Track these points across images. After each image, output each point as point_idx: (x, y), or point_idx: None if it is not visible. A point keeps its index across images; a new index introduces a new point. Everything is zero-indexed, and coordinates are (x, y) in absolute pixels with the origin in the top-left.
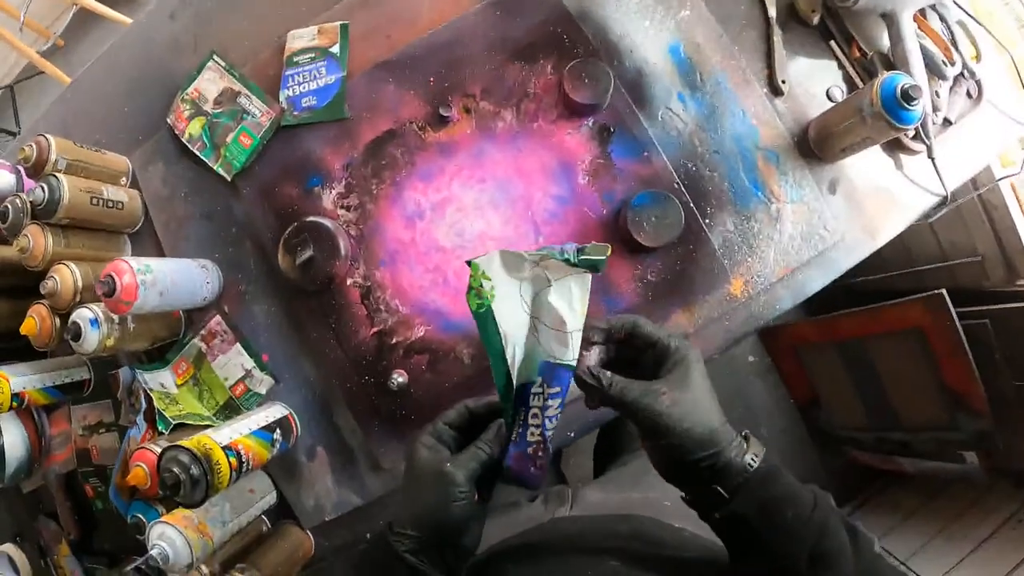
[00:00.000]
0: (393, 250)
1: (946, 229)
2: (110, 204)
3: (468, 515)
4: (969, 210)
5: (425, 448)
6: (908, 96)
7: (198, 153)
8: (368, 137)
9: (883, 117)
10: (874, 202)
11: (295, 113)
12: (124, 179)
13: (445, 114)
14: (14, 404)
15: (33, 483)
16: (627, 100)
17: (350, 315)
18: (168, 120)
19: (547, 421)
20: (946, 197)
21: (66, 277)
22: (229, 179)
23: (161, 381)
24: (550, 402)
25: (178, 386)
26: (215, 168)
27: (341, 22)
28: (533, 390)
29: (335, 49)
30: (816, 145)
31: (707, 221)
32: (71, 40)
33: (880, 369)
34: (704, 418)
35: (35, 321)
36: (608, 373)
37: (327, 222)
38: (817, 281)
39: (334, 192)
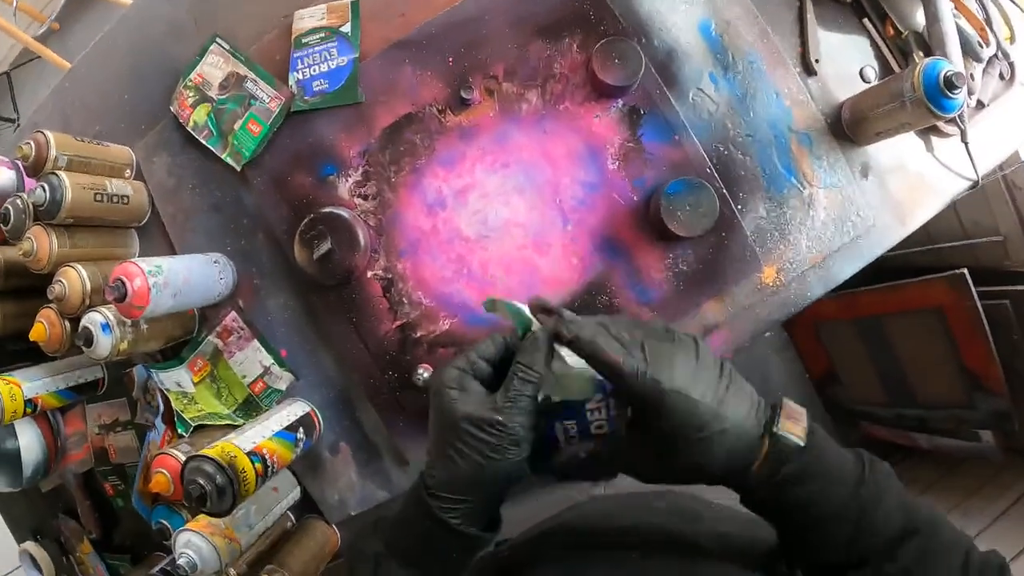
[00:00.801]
0: (414, 240)
1: (968, 208)
2: (115, 199)
3: (521, 472)
4: (992, 190)
5: (458, 390)
6: (951, 84)
7: (204, 142)
8: (385, 122)
9: (924, 104)
10: (905, 186)
11: (306, 98)
12: (128, 171)
13: (466, 96)
14: (28, 411)
15: (51, 483)
16: (657, 81)
17: (372, 309)
18: (171, 108)
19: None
20: (977, 182)
21: (74, 280)
22: (239, 169)
23: (177, 380)
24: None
25: (195, 384)
26: (223, 157)
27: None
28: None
29: (346, 29)
30: (850, 127)
31: (740, 207)
32: (67, 23)
33: (898, 347)
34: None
35: (44, 327)
36: (575, 317)
37: (344, 212)
38: (848, 269)
39: (350, 180)
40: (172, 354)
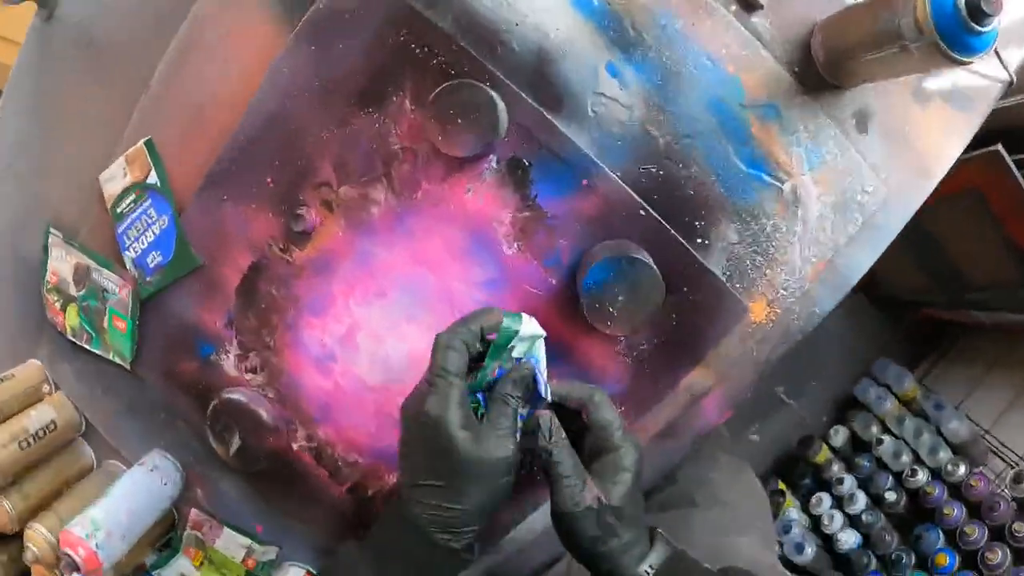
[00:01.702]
0: (322, 403)
1: None
2: (41, 434)
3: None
4: None
5: (464, 429)
6: (978, 11)
7: (88, 347)
8: (233, 280)
9: (939, 49)
10: (921, 122)
11: (148, 279)
12: (46, 386)
13: (299, 228)
14: None
15: None
16: (533, 109)
17: (313, 480)
18: (48, 317)
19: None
20: (1011, 81)
21: (39, 542)
22: (128, 368)
23: (181, 571)
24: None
25: (197, 568)
26: (111, 359)
27: (144, 139)
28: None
29: (153, 179)
30: (828, 69)
31: (700, 241)
32: None
33: (938, 235)
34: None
35: None
36: (562, 434)
37: (240, 396)
38: (864, 260)
39: (231, 356)
40: (164, 546)
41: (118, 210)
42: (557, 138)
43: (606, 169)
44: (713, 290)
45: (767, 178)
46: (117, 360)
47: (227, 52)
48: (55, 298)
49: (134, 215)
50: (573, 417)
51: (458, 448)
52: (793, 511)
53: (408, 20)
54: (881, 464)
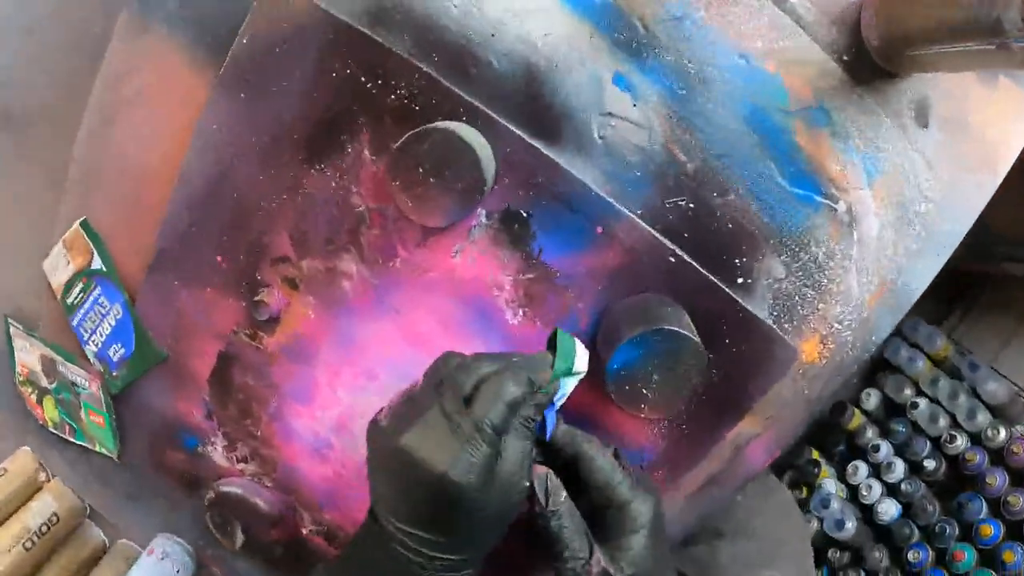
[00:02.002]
0: (326, 490)
1: None
2: (44, 529)
3: None
4: None
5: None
6: None
7: (72, 439)
8: (203, 371)
9: None
10: (986, 108)
11: (114, 373)
12: (42, 474)
13: (262, 317)
14: None
15: None
16: (524, 142)
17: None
18: (28, 410)
19: None
20: None
21: None
22: (116, 459)
23: None
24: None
25: None
26: (98, 450)
27: (79, 220)
28: None
29: (97, 263)
30: (884, 56)
31: (741, 282)
32: None
33: None
34: None
35: None
36: (563, 496)
37: (235, 488)
38: (927, 272)
39: (218, 447)
40: None
41: (68, 301)
42: (559, 178)
43: (624, 211)
44: (759, 337)
45: (819, 198)
46: (104, 452)
47: (149, 112)
48: (30, 390)
49: (86, 306)
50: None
51: (470, 506)
52: (829, 482)
53: (353, 46)
54: (917, 429)
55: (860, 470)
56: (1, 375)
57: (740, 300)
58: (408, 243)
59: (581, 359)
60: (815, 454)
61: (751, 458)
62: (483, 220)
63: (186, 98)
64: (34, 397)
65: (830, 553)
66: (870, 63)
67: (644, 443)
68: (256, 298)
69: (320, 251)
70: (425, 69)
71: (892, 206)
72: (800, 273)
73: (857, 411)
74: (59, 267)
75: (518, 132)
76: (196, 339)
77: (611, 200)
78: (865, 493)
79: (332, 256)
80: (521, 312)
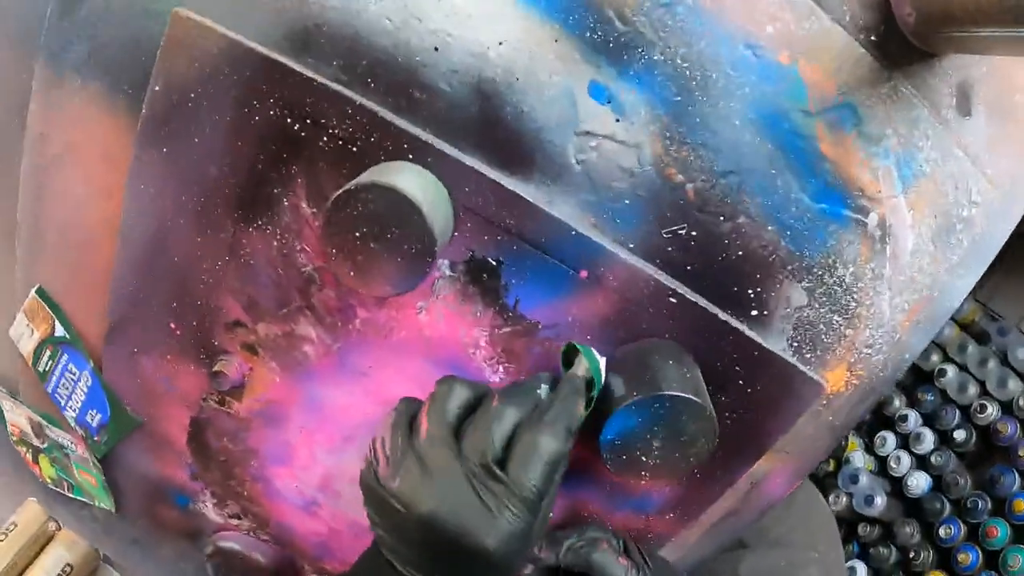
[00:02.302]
0: (321, 543)
1: None
2: None
3: None
4: None
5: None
6: None
7: (71, 495)
8: (180, 437)
9: None
10: None
11: (95, 439)
12: (51, 524)
13: (224, 387)
14: None
15: None
16: (484, 178)
17: None
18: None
19: None
20: None
21: None
22: (115, 511)
23: None
24: None
25: None
26: (97, 505)
27: (34, 288)
28: None
29: (60, 331)
30: (919, 32)
31: (755, 314)
32: None
33: None
34: None
35: None
36: None
37: (233, 544)
38: (966, 284)
39: (209, 505)
40: None
41: (40, 369)
42: (529, 217)
43: (611, 249)
44: (777, 374)
45: (846, 213)
46: (103, 506)
47: (78, 172)
48: (24, 449)
49: (57, 373)
50: None
51: (506, 568)
52: (857, 454)
53: (272, 81)
54: (946, 398)
55: (888, 441)
56: (1, 433)
57: (755, 336)
58: (367, 302)
59: (603, 372)
60: None
61: (770, 490)
62: (447, 272)
63: (113, 153)
64: (30, 456)
65: (860, 528)
66: (903, 43)
67: (651, 490)
68: (214, 368)
69: (274, 315)
70: (359, 101)
71: (931, 214)
72: (824, 299)
73: None
74: (24, 335)
75: (475, 166)
76: (165, 406)
77: (594, 237)
78: (894, 465)
79: (287, 319)
80: (502, 369)
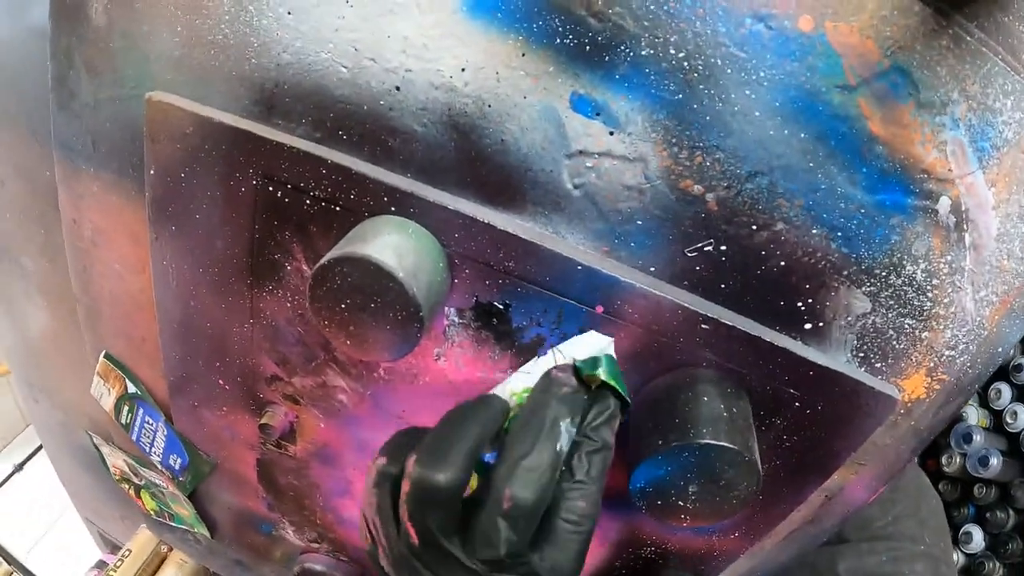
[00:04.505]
0: None
1: None
2: None
3: None
4: None
5: None
6: None
7: (172, 524)
8: (250, 475)
9: None
10: None
11: (180, 479)
12: (164, 547)
13: (273, 438)
14: None
15: None
16: (471, 222)
17: None
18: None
19: None
20: None
21: None
22: (211, 536)
23: None
24: None
25: None
26: (196, 532)
27: (102, 352)
28: None
29: (132, 388)
30: None
31: (809, 327)
32: None
33: None
34: None
35: None
36: None
37: (316, 564)
38: None
39: (289, 531)
40: None
41: (122, 421)
42: (529, 255)
43: (624, 279)
44: (840, 391)
45: (910, 201)
46: (201, 532)
47: (111, 252)
48: (127, 487)
49: (137, 425)
50: None
51: None
52: (971, 409)
53: (246, 152)
54: None
55: (1004, 394)
56: (98, 476)
57: (808, 353)
58: None
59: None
60: None
61: (851, 499)
62: (455, 319)
63: (137, 232)
64: (132, 492)
65: (975, 489)
66: None
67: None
68: (261, 422)
69: (305, 369)
70: (330, 159)
71: (1020, 189)
72: (892, 302)
73: None
74: (103, 394)
75: (460, 209)
76: (233, 449)
77: (604, 269)
78: (1010, 420)
79: (318, 372)
80: None
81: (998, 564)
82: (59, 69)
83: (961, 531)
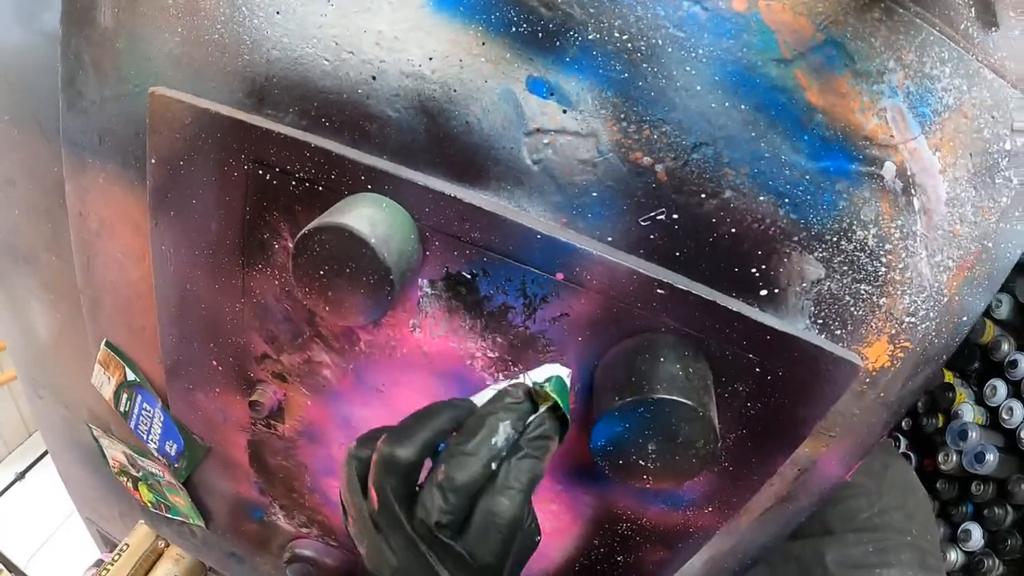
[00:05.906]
0: None
1: None
2: None
3: None
4: None
5: None
6: None
7: (170, 516)
8: (242, 457)
9: None
10: None
11: (175, 466)
12: (161, 541)
13: (262, 415)
14: None
15: None
16: (440, 196)
17: None
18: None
19: None
20: None
21: None
22: (206, 527)
23: None
24: None
25: None
26: (193, 523)
27: (103, 341)
28: None
29: (131, 376)
30: None
31: (764, 293)
32: None
33: None
34: None
35: None
36: None
37: (306, 550)
38: None
39: (280, 516)
40: None
41: (121, 409)
42: (493, 226)
43: (582, 247)
44: (799, 357)
45: (854, 167)
46: (198, 522)
47: (114, 243)
48: (125, 479)
49: (135, 412)
50: None
51: None
52: (966, 407)
53: (239, 138)
54: None
55: (999, 390)
56: (97, 473)
57: (764, 318)
58: (366, 327)
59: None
60: (948, 377)
61: (825, 473)
62: (427, 290)
63: (139, 222)
64: (130, 484)
65: (973, 487)
66: None
67: (684, 486)
68: (251, 399)
69: (291, 345)
70: (313, 143)
71: (965, 153)
72: (846, 267)
73: (988, 322)
74: (104, 383)
75: (429, 185)
76: (225, 432)
77: (563, 237)
78: (1006, 416)
79: (304, 348)
80: (501, 377)
81: (997, 561)
82: (69, 70)
83: (960, 529)
